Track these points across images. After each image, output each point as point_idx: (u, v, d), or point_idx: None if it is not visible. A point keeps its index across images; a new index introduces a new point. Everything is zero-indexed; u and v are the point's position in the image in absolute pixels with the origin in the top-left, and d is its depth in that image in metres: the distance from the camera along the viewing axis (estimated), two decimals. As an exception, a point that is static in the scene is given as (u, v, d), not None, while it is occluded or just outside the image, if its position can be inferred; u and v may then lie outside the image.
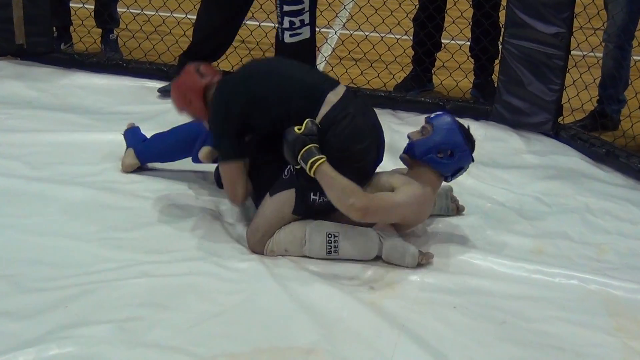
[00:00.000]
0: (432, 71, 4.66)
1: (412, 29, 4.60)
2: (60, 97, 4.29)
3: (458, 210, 3.27)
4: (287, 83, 2.94)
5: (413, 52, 4.62)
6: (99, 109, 4.16)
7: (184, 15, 4.87)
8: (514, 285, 2.84)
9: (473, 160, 3.04)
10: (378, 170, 3.04)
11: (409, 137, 3.05)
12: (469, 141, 3.01)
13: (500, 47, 4.23)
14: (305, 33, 3.93)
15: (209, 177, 3.42)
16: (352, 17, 4.96)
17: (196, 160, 3.28)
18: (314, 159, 2.77)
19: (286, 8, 3.88)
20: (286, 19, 3.90)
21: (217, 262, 2.85)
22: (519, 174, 3.72)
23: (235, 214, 3.17)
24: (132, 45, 4.92)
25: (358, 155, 2.88)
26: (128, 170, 3.43)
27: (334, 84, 2.99)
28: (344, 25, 5.15)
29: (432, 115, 3.05)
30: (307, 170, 2.78)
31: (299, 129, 2.80)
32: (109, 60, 4.70)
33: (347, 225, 2.89)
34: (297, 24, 3.89)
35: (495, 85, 4.28)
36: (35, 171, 3.40)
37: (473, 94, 4.57)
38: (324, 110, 2.87)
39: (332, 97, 2.90)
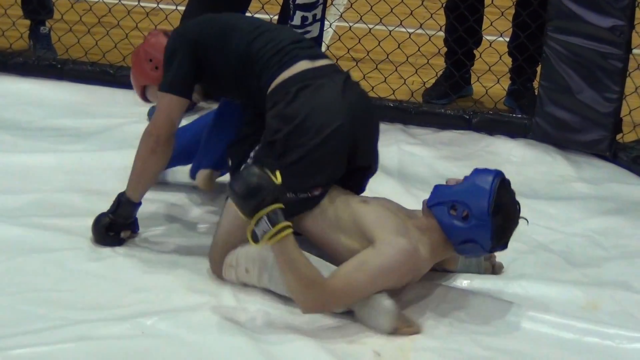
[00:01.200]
0: (471, 70, 4.70)
1: (428, 21, 4.63)
2: (-25, 107, 4.30)
3: (494, 269, 3.22)
4: (258, 26, 3.21)
5: (446, 49, 4.66)
6: (26, 123, 4.16)
7: (136, 3, 4.88)
8: (561, 351, 2.83)
9: (489, 252, 2.96)
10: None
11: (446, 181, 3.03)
12: (501, 219, 2.87)
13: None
14: (315, 30, 4.01)
15: (159, 215, 3.44)
16: (351, 5, 4.98)
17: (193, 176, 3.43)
18: (280, 226, 2.69)
19: (299, 0, 3.93)
20: (298, 14, 3.96)
21: (175, 318, 2.83)
22: (567, 208, 3.72)
23: (195, 256, 3.17)
24: (69, 41, 4.93)
25: (315, 134, 2.94)
26: None
27: (320, 55, 3.19)
28: (341, 16, 5.17)
29: (484, 168, 2.99)
30: (262, 234, 2.71)
31: (268, 174, 2.72)
32: (40, 61, 4.71)
33: (323, 263, 2.89)
34: (310, 19, 3.97)
35: (536, 93, 4.30)
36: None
37: (507, 104, 4.59)
38: (285, 74, 3.03)
39: (305, 64, 3.06)
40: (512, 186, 3.05)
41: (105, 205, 3.23)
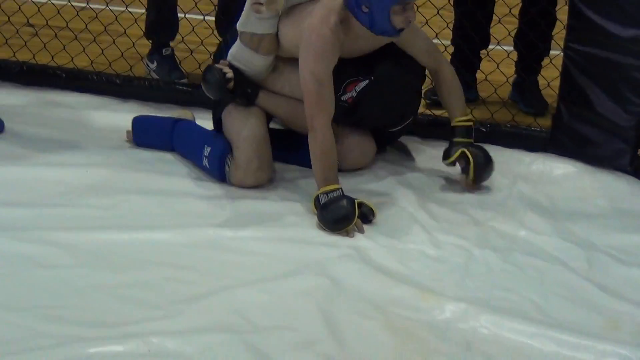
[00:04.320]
0: (476, 76, 4.75)
1: (444, 31, 4.67)
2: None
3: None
4: None
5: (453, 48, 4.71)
6: (30, 135, 4.20)
7: (143, 11, 4.92)
8: (580, 373, 2.85)
9: None
10: None
11: None
12: None
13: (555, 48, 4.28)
14: None
15: (163, 223, 3.49)
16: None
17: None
18: None
19: None
20: None
21: (183, 337, 2.84)
22: (587, 224, 3.72)
23: (198, 271, 3.21)
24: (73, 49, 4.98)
25: None
26: None
27: None
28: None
29: None
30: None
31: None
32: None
33: None
34: None
35: (556, 105, 4.30)
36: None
37: (511, 98, 4.65)
38: None
39: None
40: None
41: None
